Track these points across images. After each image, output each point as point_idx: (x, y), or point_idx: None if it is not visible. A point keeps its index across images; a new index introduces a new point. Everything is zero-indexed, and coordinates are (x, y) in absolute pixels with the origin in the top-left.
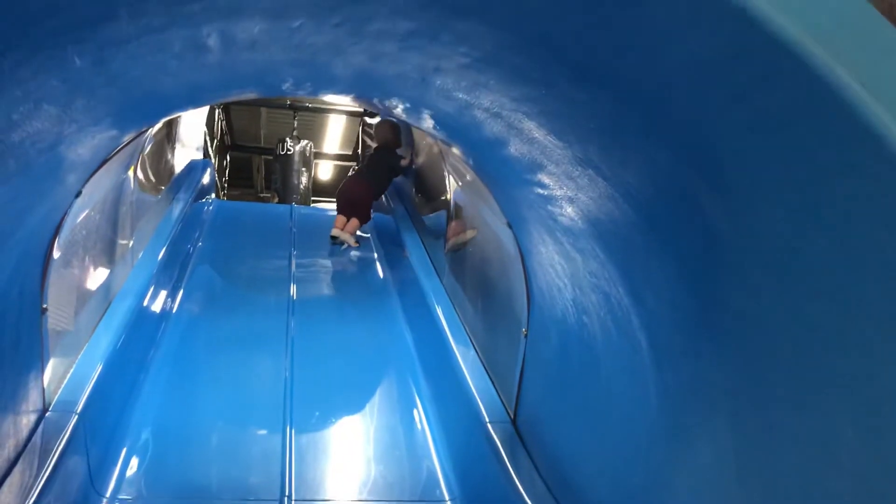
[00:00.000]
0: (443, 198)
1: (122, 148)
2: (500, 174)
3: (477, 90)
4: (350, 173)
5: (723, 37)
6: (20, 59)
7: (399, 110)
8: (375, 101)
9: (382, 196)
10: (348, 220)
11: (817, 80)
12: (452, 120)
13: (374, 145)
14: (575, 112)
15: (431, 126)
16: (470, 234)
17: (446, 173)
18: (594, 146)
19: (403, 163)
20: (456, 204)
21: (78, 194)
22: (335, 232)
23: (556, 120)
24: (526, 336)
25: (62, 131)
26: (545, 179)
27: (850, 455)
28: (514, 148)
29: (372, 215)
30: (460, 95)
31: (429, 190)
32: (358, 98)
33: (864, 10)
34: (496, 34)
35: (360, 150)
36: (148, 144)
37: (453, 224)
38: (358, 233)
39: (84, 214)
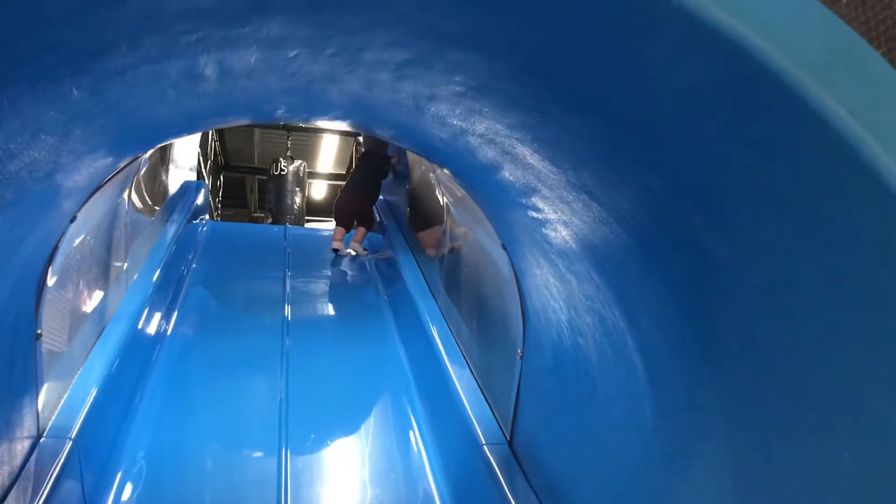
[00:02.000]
0: (437, 218)
1: (117, 173)
2: (495, 197)
3: (471, 117)
4: (343, 187)
5: (714, 69)
6: (19, 91)
7: (393, 136)
8: (370, 126)
9: (375, 211)
10: (347, 231)
11: (807, 111)
12: (446, 145)
13: (362, 150)
14: (569, 139)
15: (425, 151)
16: (458, 242)
17: (440, 194)
18: (588, 172)
19: (390, 164)
20: (450, 224)
21: (73, 219)
22: (336, 244)
23: (549, 146)
24: (521, 357)
25: (59, 160)
26: (539, 203)
27: (846, 480)
28: (509, 172)
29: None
30: (454, 122)
31: (423, 210)
32: (353, 124)
33: (853, 41)
34: (490, 64)
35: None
36: (143, 167)
37: (442, 237)
38: (349, 251)
39: (79, 239)
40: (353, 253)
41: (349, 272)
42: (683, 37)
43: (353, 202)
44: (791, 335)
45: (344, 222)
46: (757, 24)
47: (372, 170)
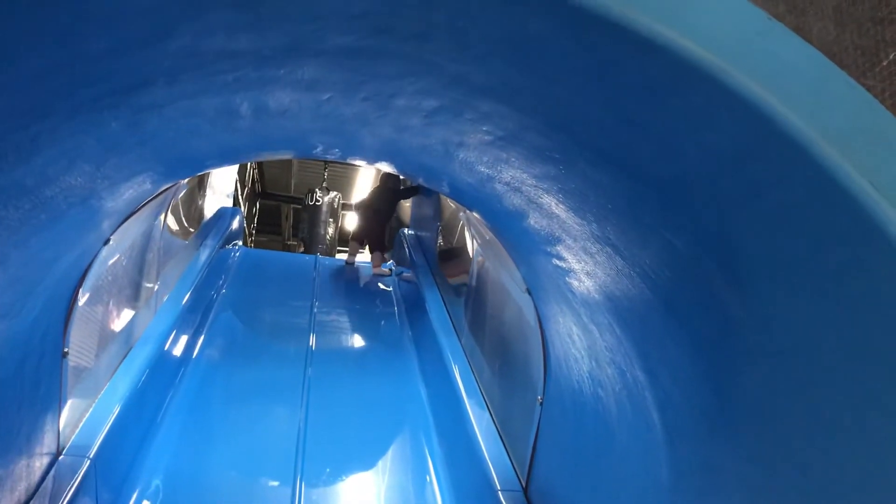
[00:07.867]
0: (464, 258)
1: (154, 197)
2: (520, 243)
3: (498, 165)
4: (360, 211)
5: (738, 134)
6: (58, 121)
7: (424, 179)
8: (402, 168)
9: (405, 242)
10: (361, 245)
11: (830, 182)
12: (474, 190)
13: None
14: (594, 192)
15: (454, 194)
16: (484, 283)
17: (468, 235)
18: (612, 225)
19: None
20: (477, 266)
21: (106, 241)
22: (350, 258)
23: (574, 198)
24: (541, 404)
25: (95, 186)
26: (563, 252)
27: None
28: (534, 220)
29: (391, 263)
30: (482, 169)
31: (451, 249)
32: (385, 165)
33: (876, 111)
34: (518, 116)
35: None
36: (180, 191)
37: (469, 275)
38: (381, 286)
39: (111, 260)
40: (380, 274)
41: (375, 305)
42: (709, 101)
43: (368, 230)
44: (808, 403)
45: (358, 238)
46: (782, 92)
47: (385, 198)
